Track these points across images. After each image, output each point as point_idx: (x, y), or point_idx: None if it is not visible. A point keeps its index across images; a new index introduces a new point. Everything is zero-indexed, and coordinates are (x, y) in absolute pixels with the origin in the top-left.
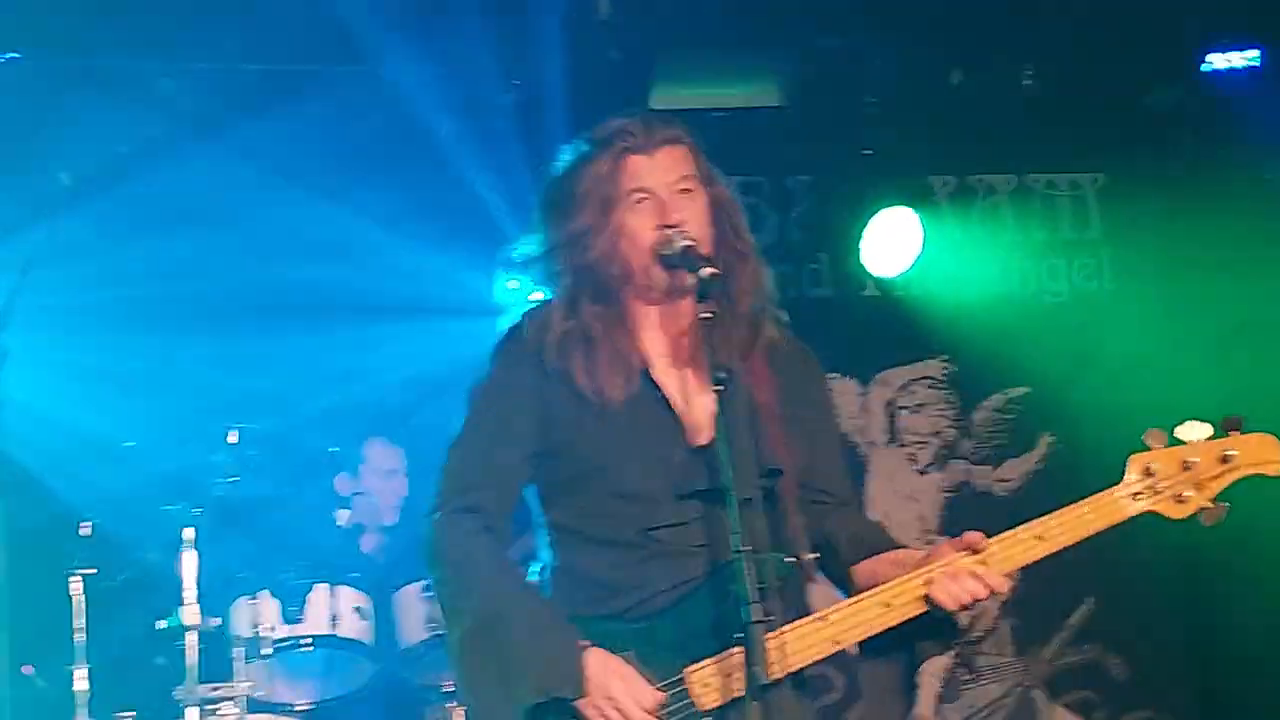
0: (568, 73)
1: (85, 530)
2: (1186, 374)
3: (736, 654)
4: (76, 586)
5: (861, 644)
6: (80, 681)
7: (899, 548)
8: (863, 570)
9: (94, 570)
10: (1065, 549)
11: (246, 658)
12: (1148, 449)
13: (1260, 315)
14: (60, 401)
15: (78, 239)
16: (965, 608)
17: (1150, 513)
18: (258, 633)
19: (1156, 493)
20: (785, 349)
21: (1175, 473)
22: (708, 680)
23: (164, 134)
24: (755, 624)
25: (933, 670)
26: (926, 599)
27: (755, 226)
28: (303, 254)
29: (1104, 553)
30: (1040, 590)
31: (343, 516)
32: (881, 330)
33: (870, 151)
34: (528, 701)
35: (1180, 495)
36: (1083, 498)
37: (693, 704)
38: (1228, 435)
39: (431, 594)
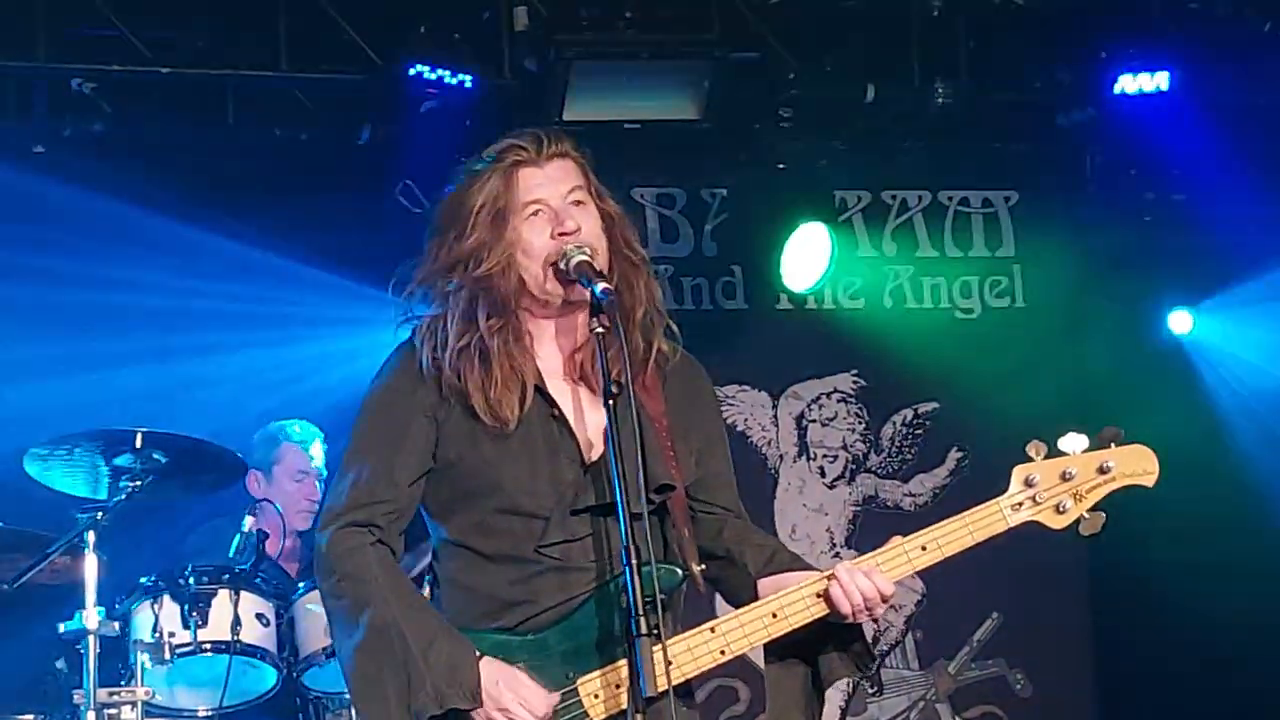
0: (482, 84)
1: None
2: (1093, 390)
3: (624, 666)
4: None
5: (768, 659)
6: None
7: (805, 565)
8: (768, 585)
9: None
10: (949, 559)
11: (147, 663)
12: (1031, 460)
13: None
14: None
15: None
16: (859, 611)
17: (1032, 523)
18: (159, 638)
19: (1037, 503)
20: (675, 362)
21: (1055, 483)
22: (597, 691)
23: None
24: (640, 637)
25: (837, 684)
26: (825, 598)
27: (670, 238)
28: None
29: (1009, 568)
30: (946, 605)
31: (249, 522)
32: (793, 344)
33: (784, 166)
34: (426, 712)
35: (1060, 505)
36: None
37: (585, 714)
38: (1106, 447)
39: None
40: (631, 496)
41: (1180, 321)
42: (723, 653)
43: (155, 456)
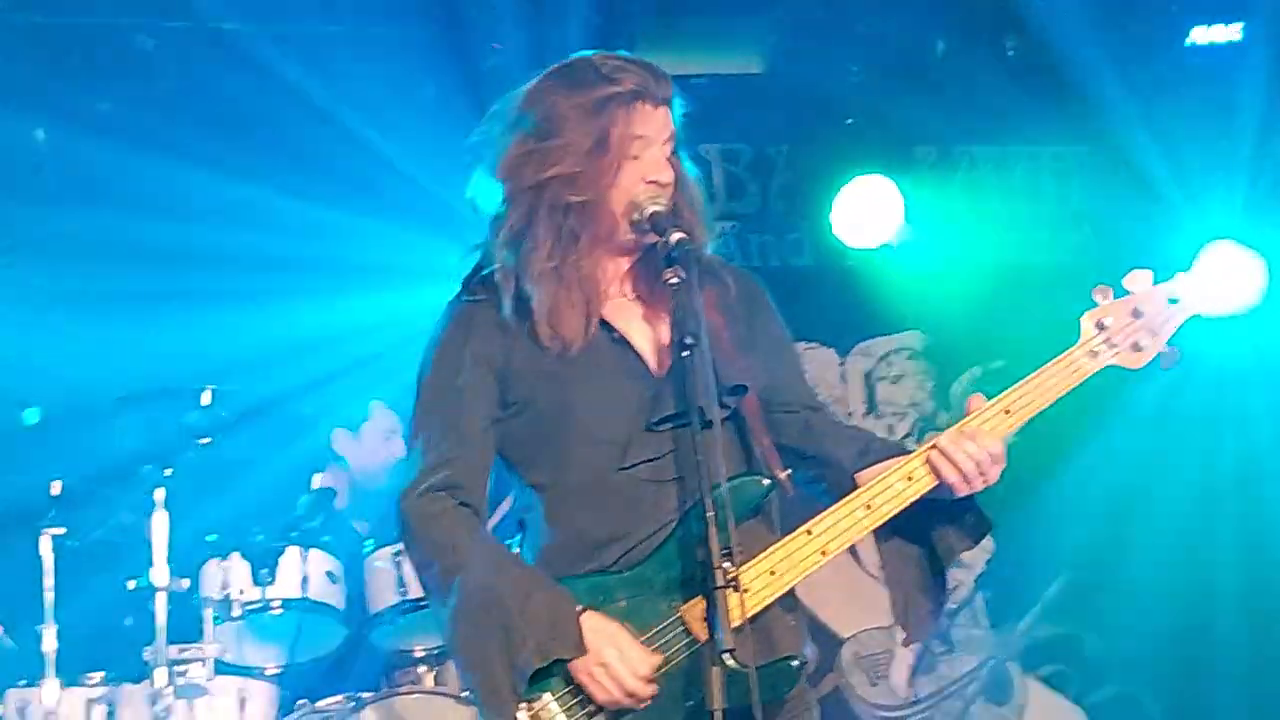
0: (547, 38)
1: (56, 489)
2: None
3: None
4: (46, 545)
5: (881, 549)
6: (49, 641)
7: (902, 451)
8: (868, 476)
9: (64, 530)
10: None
11: (216, 620)
12: (1098, 305)
13: None
14: (33, 358)
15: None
16: (972, 477)
17: (1111, 366)
18: (228, 595)
19: (1113, 345)
20: (730, 276)
21: (1128, 323)
22: (704, 614)
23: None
24: (718, 589)
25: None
26: (932, 471)
27: (735, 194)
28: (283, 222)
29: (1079, 527)
30: (1015, 564)
31: (318, 479)
32: (861, 301)
33: (852, 121)
34: (531, 666)
35: (1137, 344)
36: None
37: (693, 641)
38: (1172, 279)
39: (401, 558)
40: (706, 405)
41: None
42: (824, 553)
43: (223, 414)
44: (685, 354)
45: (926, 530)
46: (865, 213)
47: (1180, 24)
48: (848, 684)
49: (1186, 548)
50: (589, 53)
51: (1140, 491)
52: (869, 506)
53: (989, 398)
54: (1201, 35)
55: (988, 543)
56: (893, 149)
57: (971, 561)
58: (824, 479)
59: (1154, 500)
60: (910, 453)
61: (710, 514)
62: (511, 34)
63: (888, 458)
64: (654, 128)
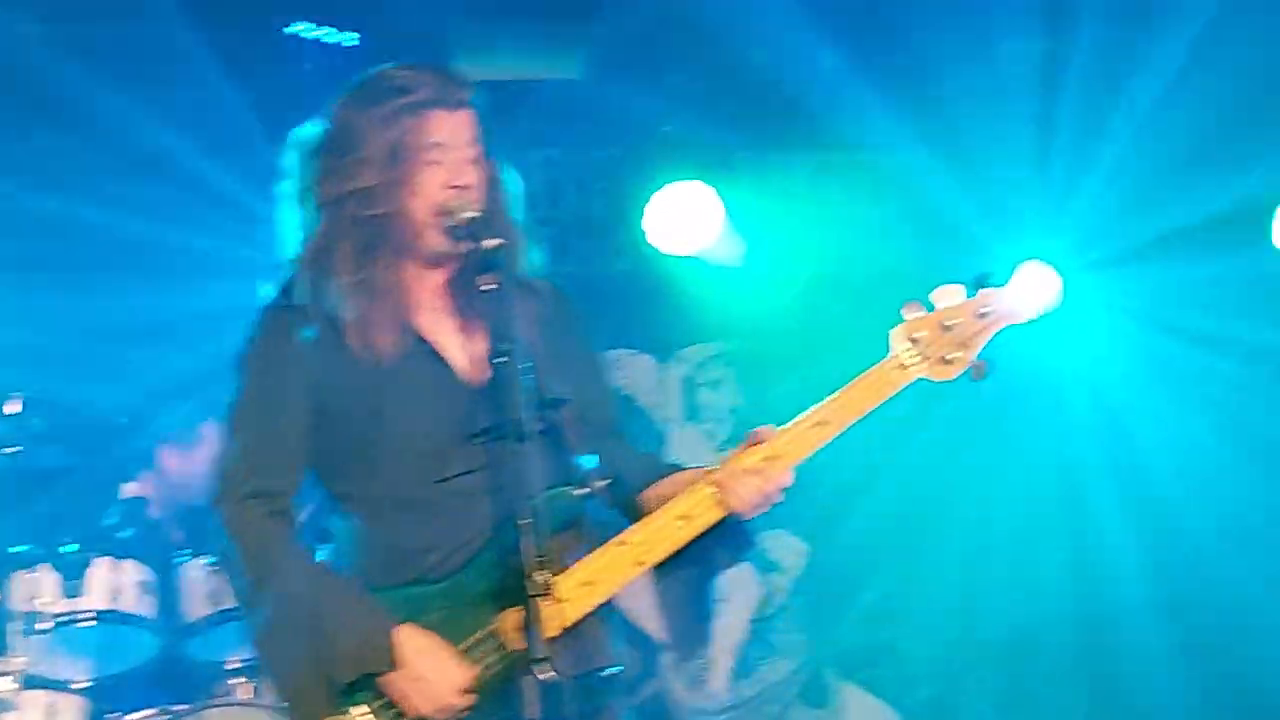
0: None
1: None
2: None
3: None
4: None
5: (655, 568)
6: None
7: (680, 468)
8: (651, 495)
9: None
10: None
11: (23, 633)
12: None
13: None
14: None
15: None
16: (756, 509)
17: (922, 379)
18: (35, 607)
19: (924, 359)
20: (542, 289)
21: (938, 336)
22: (520, 625)
23: None
24: (533, 599)
25: (728, 647)
26: (721, 500)
27: (555, 200)
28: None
29: (896, 531)
30: (833, 568)
31: (130, 489)
32: (680, 307)
33: (669, 128)
34: (343, 680)
35: (946, 357)
36: None
37: (510, 653)
38: (980, 291)
39: (216, 568)
40: (523, 417)
41: None
42: (639, 564)
43: (33, 422)
44: (501, 359)
45: (696, 549)
46: (682, 219)
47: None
48: (668, 689)
49: (1005, 550)
50: (387, 66)
51: (956, 495)
52: (684, 517)
53: (808, 401)
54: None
55: (804, 547)
56: (712, 155)
57: (790, 566)
58: (614, 498)
59: (970, 504)
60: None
61: (526, 523)
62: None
63: (672, 476)
64: (452, 133)
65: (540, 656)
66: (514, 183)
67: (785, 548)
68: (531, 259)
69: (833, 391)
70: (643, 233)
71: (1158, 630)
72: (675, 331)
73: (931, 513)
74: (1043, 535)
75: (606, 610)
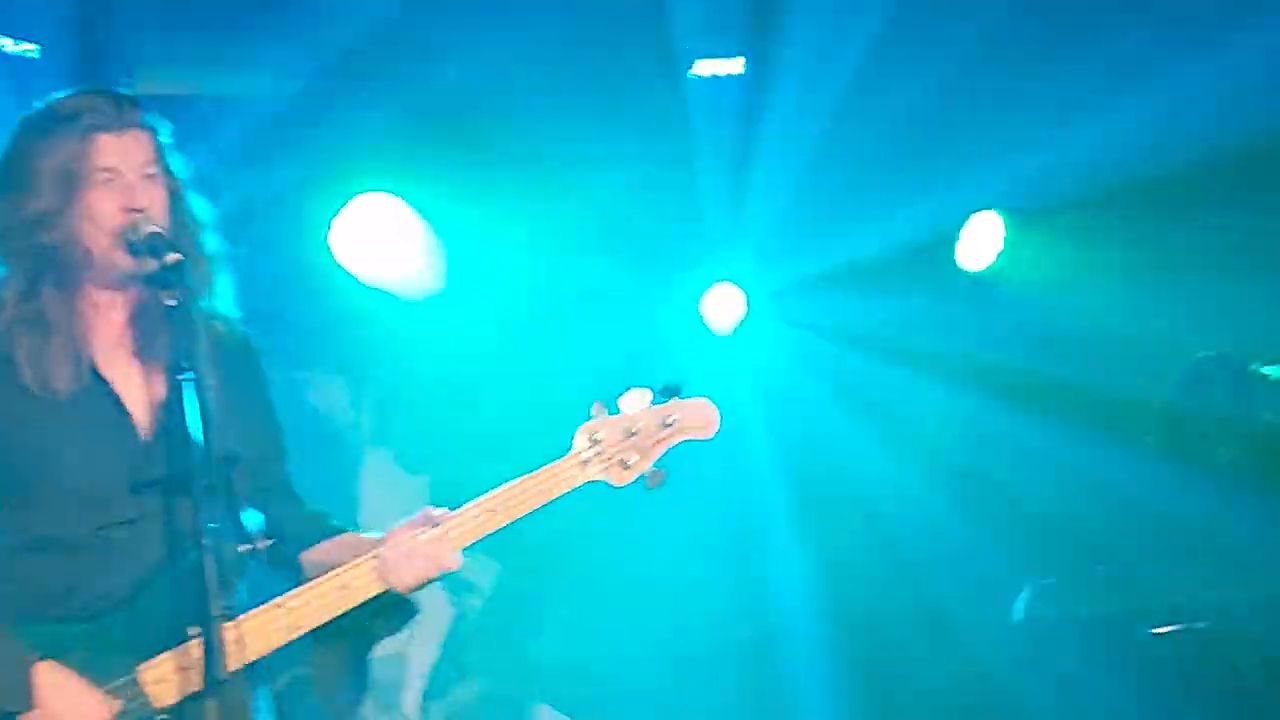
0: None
1: None
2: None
3: (191, 648)
4: None
5: (314, 630)
6: None
7: (343, 531)
8: (313, 556)
9: None
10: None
11: None
12: (593, 418)
13: None
14: None
15: None
16: (417, 587)
17: (598, 481)
18: None
19: (603, 460)
20: (228, 336)
21: (620, 439)
22: (163, 677)
23: None
24: (216, 618)
25: (420, 669)
26: (380, 575)
27: (246, 219)
28: None
29: (584, 549)
30: (525, 586)
31: None
32: (374, 326)
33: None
34: None
35: (625, 461)
36: None
37: (148, 703)
38: (668, 401)
39: None
40: (197, 470)
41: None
42: (295, 629)
43: None
44: (181, 381)
45: (355, 618)
46: (374, 236)
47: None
48: (360, 713)
49: (691, 566)
50: (57, 94)
51: (639, 511)
52: (345, 587)
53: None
54: (705, 68)
55: (494, 565)
56: (407, 171)
57: (481, 585)
58: (277, 556)
59: (653, 520)
60: (363, 538)
61: (206, 541)
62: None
63: (338, 539)
64: (122, 156)
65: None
66: (203, 210)
67: (476, 566)
68: (218, 289)
69: (512, 475)
70: (333, 251)
71: (832, 640)
72: (368, 352)
73: (616, 529)
74: (726, 552)
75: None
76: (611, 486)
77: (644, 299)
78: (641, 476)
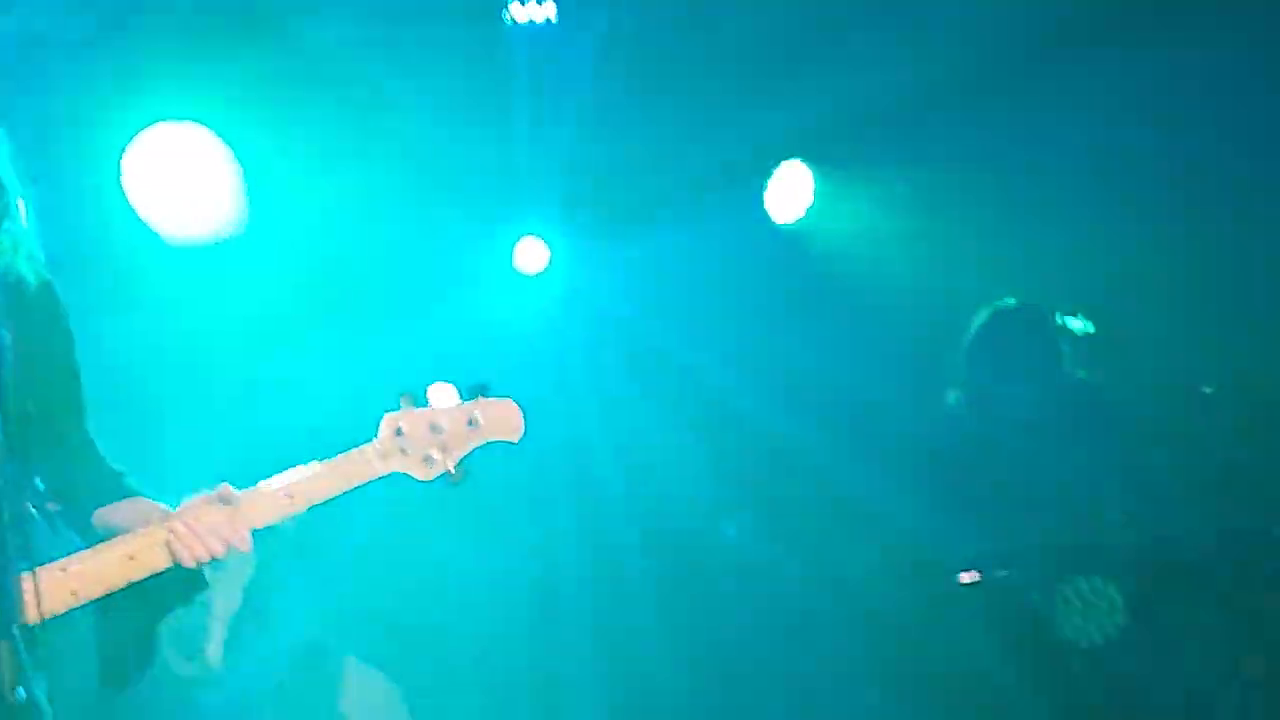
0: None
1: None
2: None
3: None
4: None
5: (97, 602)
6: None
7: (137, 494)
8: (104, 517)
9: None
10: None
11: None
12: (400, 409)
13: None
14: None
15: None
16: (202, 561)
17: (400, 472)
18: None
19: (405, 453)
20: (28, 284)
21: (424, 434)
22: None
23: None
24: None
25: (222, 617)
26: (169, 547)
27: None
28: None
29: (395, 503)
30: (333, 536)
31: None
32: (172, 274)
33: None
34: None
35: (428, 457)
36: None
37: None
38: (475, 400)
39: None
40: None
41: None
42: (74, 594)
43: None
44: None
45: (142, 588)
46: (169, 174)
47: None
48: (163, 660)
49: (499, 515)
50: None
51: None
52: (132, 557)
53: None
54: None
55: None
56: (207, 98)
57: (289, 534)
58: (67, 514)
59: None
60: (156, 505)
61: None
62: None
63: (132, 503)
64: None
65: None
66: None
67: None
68: (17, 235)
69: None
70: (125, 189)
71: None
72: (168, 302)
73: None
74: (522, 512)
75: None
76: (414, 480)
77: (456, 248)
78: (443, 475)
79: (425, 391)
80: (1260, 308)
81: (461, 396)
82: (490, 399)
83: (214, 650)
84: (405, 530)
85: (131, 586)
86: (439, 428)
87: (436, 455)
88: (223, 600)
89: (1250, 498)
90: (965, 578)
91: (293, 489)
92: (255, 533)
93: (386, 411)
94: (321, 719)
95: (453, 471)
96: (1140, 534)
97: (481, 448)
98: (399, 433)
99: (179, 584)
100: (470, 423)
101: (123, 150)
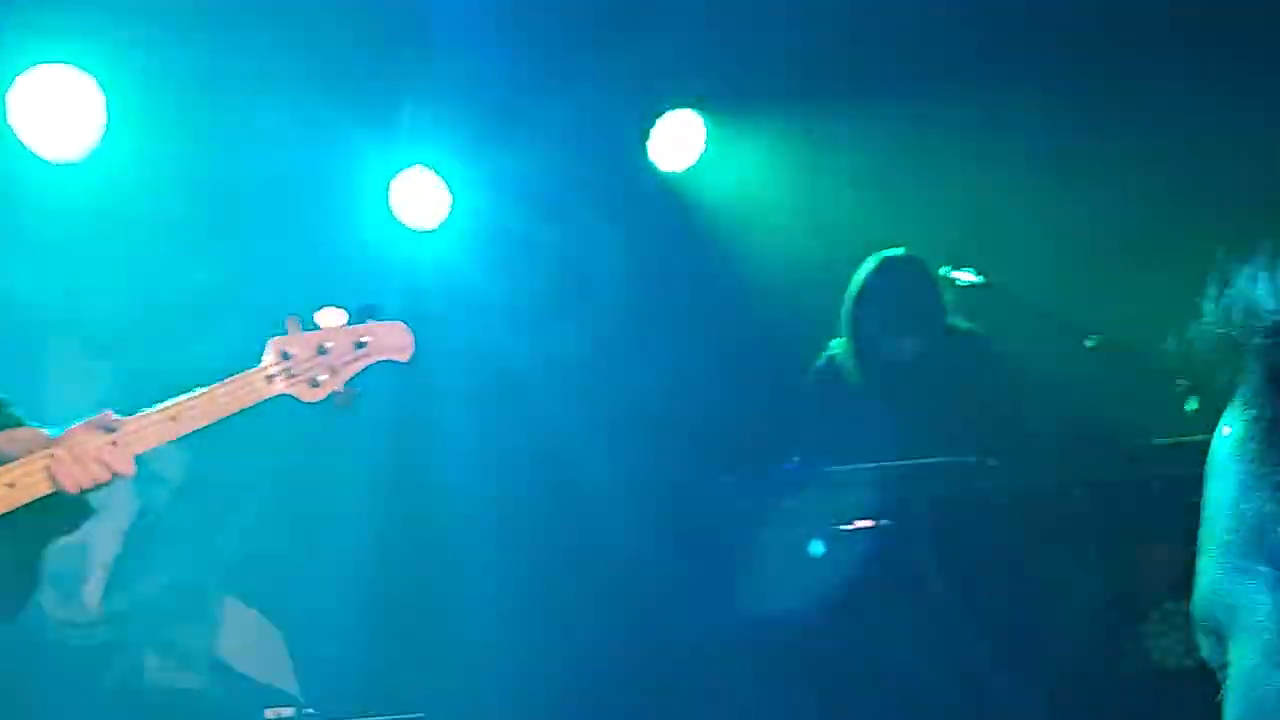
0: None
1: None
2: None
3: None
4: None
5: None
6: None
7: (19, 423)
8: None
9: None
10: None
11: None
12: (287, 333)
13: None
14: None
15: None
16: (85, 489)
17: (286, 394)
18: None
19: (292, 376)
20: None
21: (311, 356)
22: None
23: None
24: None
25: (102, 560)
26: (51, 475)
27: None
28: None
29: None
30: (215, 479)
31: None
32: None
33: None
34: None
35: (315, 379)
36: None
37: None
38: (363, 322)
39: None
40: None
41: None
42: None
43: None
44: None
45: (27, 516)
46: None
47: None
48: (40, 602)
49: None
50: None
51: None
52: (12, 485)
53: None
54: None
55: (186, 457)
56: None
57: (170, 478)
58: None
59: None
60: (39, 431)
61: None
62: None
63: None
64: None
65: None
66: None
67: (166, 458)
68: None
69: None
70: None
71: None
72: (52, 231)
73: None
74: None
75: None
76: (300, 402)
77: (334, 185)
78: (331, 395)
79: (313, 316)
80: (1143, 262)
81: (350, 320)
82: (379, 321)
83: (94, 593)
84: (285, 474)
85: (14, 514)
86: (326, 349)
87: (323, 377)
88: (103, 544)
89: (1128, 450)
90: (859, 525)
91: (176, 412)
92: (139, 476)
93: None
94: (199, 661)
95: (340, 392)
96: (1020, 485)
97: (370, 368)
98: (285, 356)
99: (63, 512)
100: (358, 344)
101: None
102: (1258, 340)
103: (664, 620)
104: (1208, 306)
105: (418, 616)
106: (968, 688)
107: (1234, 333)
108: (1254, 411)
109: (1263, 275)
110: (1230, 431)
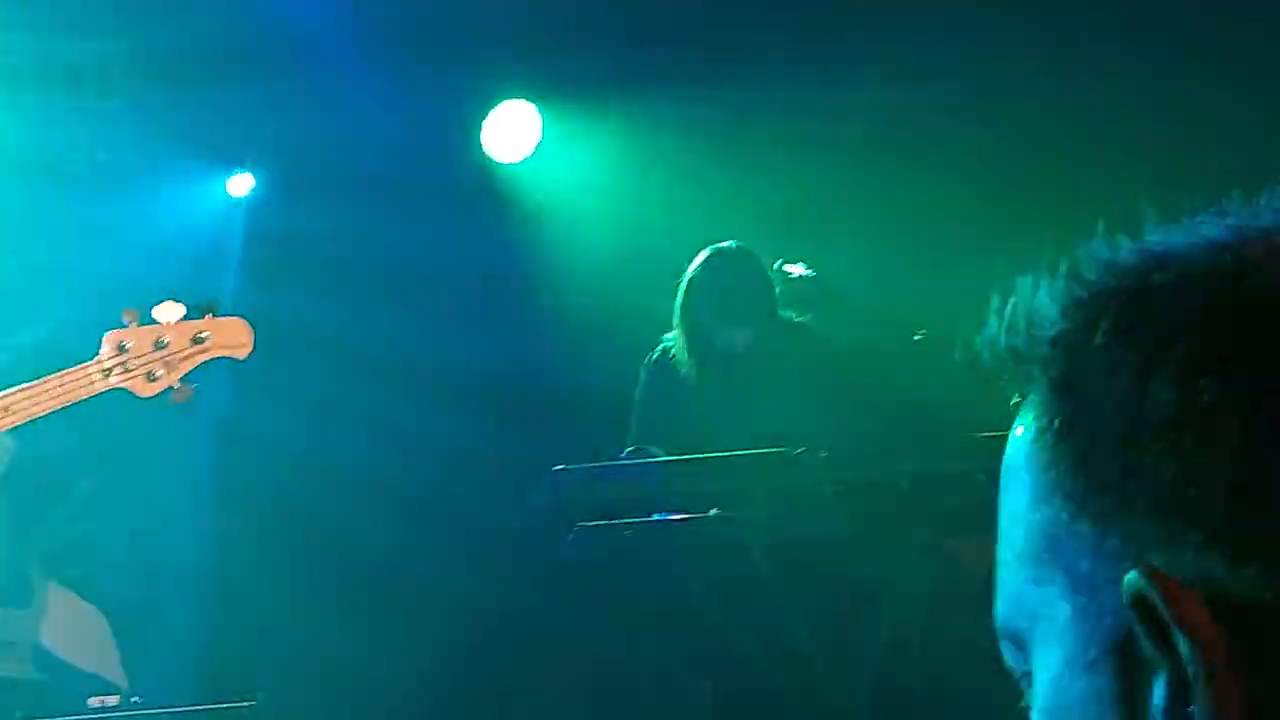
0: None
1: None
2: None
3: None
4: None
5: None
6: None
7: None
8: None
9: None
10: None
11: None
12: (125, 326)
13: None
14: None
15: None
16: None
17: (121, 388)
18: None
19: (128, 370)
20: None
21: (147, 350)
22: None
23: None
24: None
25: None
26: None
27: None
28: None
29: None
30: (38, 461)
31: None
32: None
33: None
34: None
35: (152, 374)
36: None
37: None
38: (202, 317)
39: None
40: None
41: None
42: None
43: None
44: None
45: None
46: None
47: None
48: None
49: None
50: None
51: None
52: None
53: None
54: None
55: (10, 442)
56: None
57: None
58: None
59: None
60: None
61: None
62: None
63: None
64: None
65: None
66: None
67: None
68: None
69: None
70: None
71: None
72: None
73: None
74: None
75: None
76: (135, 396)
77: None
78: (168, 390)
79: (151, 310)
80: (971, 259)
81: (189, 314)
82: (218, 317)
83: None
84: (113, 458)
85: None
86: (163, 344)
87: (160, 371)
88: None
89: (952, 443)
90: (676, 516)
91: (9, 404)
92: None
93: (110, 329)
94: (22, 648)
95: (176, 387)
96: (849, 477)
97: (207, 364)
98: (122, 349)
99: None
100: (196, 339)
101: None
102: (1043, 350)
103: (484, 612)
104: (992, 317)
105: (247, 603)
106: (792, 679)
107: (1018, 343)
108: (1043, 421)
109: (1044, 284)
110: (1022, 433)
